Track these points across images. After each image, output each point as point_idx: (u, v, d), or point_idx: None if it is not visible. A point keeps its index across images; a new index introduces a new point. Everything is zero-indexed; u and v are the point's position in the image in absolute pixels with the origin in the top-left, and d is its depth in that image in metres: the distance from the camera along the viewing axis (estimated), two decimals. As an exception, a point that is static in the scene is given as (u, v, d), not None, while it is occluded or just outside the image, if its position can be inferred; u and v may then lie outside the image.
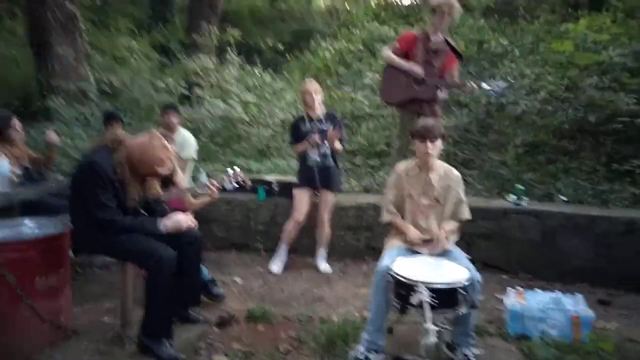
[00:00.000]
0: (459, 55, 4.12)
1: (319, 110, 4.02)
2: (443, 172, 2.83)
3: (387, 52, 4.13)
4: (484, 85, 3.89)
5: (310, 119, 3.98)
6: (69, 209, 2.76)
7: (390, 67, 4.11)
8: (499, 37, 7.27)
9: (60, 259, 2.78)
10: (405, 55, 4.03)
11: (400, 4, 10.55)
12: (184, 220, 2.73)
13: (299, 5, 14.57)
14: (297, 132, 4.04)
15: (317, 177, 3.98)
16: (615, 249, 3.72)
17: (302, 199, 4.01)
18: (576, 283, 3.69)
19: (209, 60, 7.25)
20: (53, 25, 6.76)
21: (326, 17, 11.75)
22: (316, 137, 3.89)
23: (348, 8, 10.23)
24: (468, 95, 5.47)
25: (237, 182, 3.49)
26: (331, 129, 3.93)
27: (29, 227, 2.91)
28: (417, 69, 3.91)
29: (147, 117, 6.42)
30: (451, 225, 2.81)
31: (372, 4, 10.85)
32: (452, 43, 4.07)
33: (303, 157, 4.05)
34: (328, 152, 4.01)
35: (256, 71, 7.44)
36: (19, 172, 3.51)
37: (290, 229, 4.06)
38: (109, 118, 4.37)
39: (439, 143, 2.76)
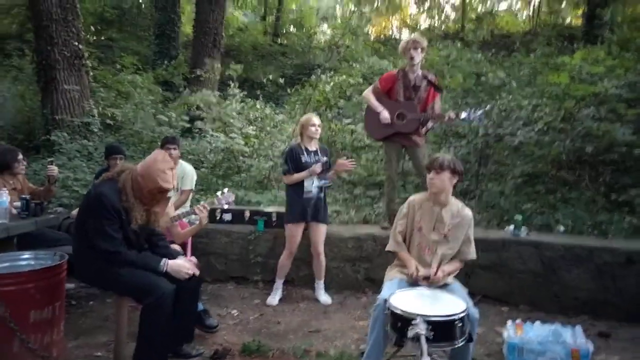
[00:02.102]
0: (438, 89, 4.35)
1: (315, 143, 4.06)
2: (456, 210, 2.81)
3: (366, 93, 4.44)
4: (463, 114, 4.06)
5: (307, 151, 4.02)
6: (70, 239, 2.77)
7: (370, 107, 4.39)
8: (496, 70, 7.39)
9: (56, 292, 2.77)
10: (387, 94, 4.30)
11: (399, 38, 10.79)
12: (186, 269, 2.72)
13: (300, 41, 14.94)
14: (296, 161, 3.95)
15: (311, 210, 3.94)
16: (616, 280, 3.67)
17: (295, 233, 3.97)
18: (577, 315, 3.65)
19: (212, 94, 7.39)
20: (60, 63, 6.95)
21: (326, 52, 12.00)
22: (319, 167, 3.89)
23: (347, 43, 10.46)
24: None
25: (229, 204, 3.54)
26: (342, 161, 3.95)
27: (26, 259, 2.92)
28: (384, 115, 4.18)
29: (149, 149, 6.50)
30: (452, 267, 2.79)
31: (371, 39, 11.10)
32: (431, 78, 4.32)
33: (298, 189, 3.95)
34: (327, 184, 4.03)
35: (257, 104, 7.56)
36: (18, 204, 3.54)
37: (284, 262, 4.05)
38: (111, 152, 4.39)
39: (445, 176, 2.73)
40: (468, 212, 2.85)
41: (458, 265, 2.83)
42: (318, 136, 4.04)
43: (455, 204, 2.85)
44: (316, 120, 4.04)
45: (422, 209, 2.84)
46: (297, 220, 3.96)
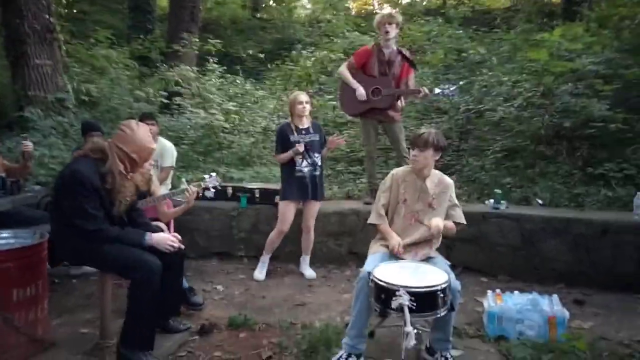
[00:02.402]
0: (412, 64, 4.37)
1: (305, 120, 4.03)
2: (437, 180, 2.88)
3: (342, 69, 4.43)
4: (436, 90, 4.13)
5: (297, 129, 3.98)
6: (49, 218, 2.72)
7: (345, 83, 4.38)
8: (477, 46, 7.42)
9: (37, 271, 2.74)
10: (362, 68, 4.31)
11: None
12: (170, 240, 2.69)
13: (280, 15, 14.67)
14: (284, 140, 3.94)
15: (308, 188, 3.92)
16: (592, 250, 3.80)
17: (288, 210, 3.96)
18: (554, 284, 3.77)
19: (190, 69, 7.24)
20: (30, 37, 6.67)
21: (307, 27, 11.84)
22: (301, 147, 3.85)
23: (329, 18, 10.32)
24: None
25: (215, 188, 3.54)
26: (334, 138, 3.99)
27: (5, 238, 2.86)
28: (360, 91, 4.20)
29: (127, 126, 6.37)
30: (449, 224, 2.83)
31: (353, 13, 10.97)
32: (406, 53, 4.34)
33: (289, 168, 3.94)
34: (318, 161, 3.99)
35: (237, 80, 7.46)
36: (-6, 182, 3.45)
37: (274, 239, 4.05)
38: (87, 129, 4.29)
39: (428, 153, 2.76)
40: (448, 179, 2.93)
41: (452, 224, 2.85)
42: (307, 113, 3.99)
43: (436, 173, 2.91)
44: (303, 97, 4.00)
45: (405, 181, 2.89)
46: (291, 198, 3.95)
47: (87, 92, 6.95)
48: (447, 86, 4.16)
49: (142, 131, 2.64)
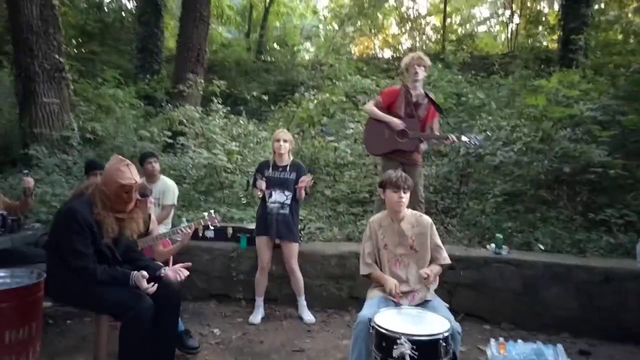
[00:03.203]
0: (439, 108, 4.33)
1: (286, 159, 4.07)
2: (415, 220, 2.91)
3: (369, 106, 4.34)
4: (464, 137, 4.08)
5: (275, 166, 4.04)
6: (45, 257, 2.72)
7: (373, 121, 4.32)
8: (476, 91, 7.56)
9: (32, 312, 2.70)
10: (388, 108, 4.23)
11: (381, 57, 10.96)
12: (144, 283, 2.64)
13: (283, 58, 15.04)
14: (255, 176, 4.05)
15: (274, 226, 3.94)
16: (595, 298, 3.74)
17: (262, 246, 4.01)
18: (558, 333, 3.70)
19: (194, 109, 7.36)
20: (40, 76, 6.85)
21: (310, 70, 12.11)
22: (262, 184, 3.93)
23: (331, 62, 10.58)
24: (449, 146, 5.67)
25: (215, 226, 3.55)
26: (307, 177, 3.95)
27: (2, 277, 2.84)
28: (396, 121, 4.10)
29: (130, 165, 6.42)
30: (436, 268, 2.84)
31: (354, 57, 11.23)
32: (432, 97, 4.29)
33: (262, 204, 4.06)
34: (287, 201, 3.98)
35: (241, 120, 7.55)
36: (-6, 220, 3.46)
37: (259, 278, 4.06)
38: (91, 167, 4.34)
39: (408, 193, 2.84)
40: (426, 218, 2.94)
41: (438, 268, 2.86)
42: (283, 151, 4.02)
43: (412, 214, 2.94)
44: (282, 135, 4.07)
45: (382, 227, 2.92)
46: (261, 233, 4.02)
47: (93, 131, 7.05)
48: (474, 135, 4.14)
49: (113, 167, 2.64)
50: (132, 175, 2.63)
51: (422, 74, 4.17)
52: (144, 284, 2.62)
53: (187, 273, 2.84)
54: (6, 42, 9.61)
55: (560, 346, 2.97)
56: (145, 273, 2.66)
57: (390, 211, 2.89)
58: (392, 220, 2.88)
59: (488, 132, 5.29)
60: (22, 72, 6.89)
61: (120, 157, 2.74)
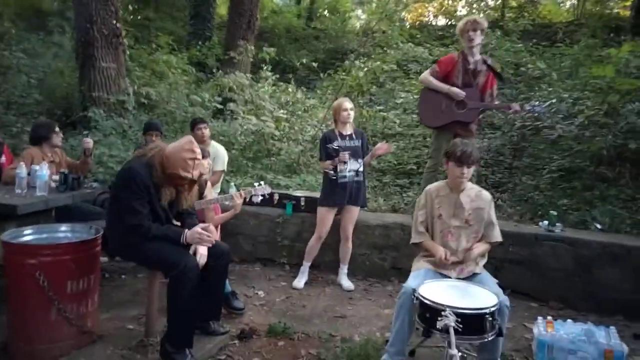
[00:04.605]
0: (498, 75, 4.11)
1: (349, 127, 4.03)
2: (474, 194, 2.81)
3: (426, 76, 4.15)
4: (527, 106, 3.89)
5: (341, 135, 3.99)
6: (106, 213, 2.85)
7: (428, 91, 4.14)
8: (537, 61, 7.15)
9: (91, 265, 2.86)
10: (445, 77, 4.05)
11: (435, 25, 10.54)
12: (197, 234, 2.67)
13: (334, 25, 14.77)
14: (327, 147, 3.96)
15: (347, 195, 3.93)
16: (655, 282, 3.55)
17: (327, 217, 3.99)
18: (611, 315, 3.53)
19: (244, 76, 7.41)
20: (98, 40, 7.06)
21: (360, 37, 11.85)
22: (347, 155, 3.85)
23: (383, 29, 10.28)
24: (515, 117, 5.40)
25: (263, 195, 3.57)
26: (382, 144, 3.97)
27: (64, 232, 3.01)
28: (457, 90, 3.93)
29: (181, 129, 6.59)
30: (482, 247, 2.79)
31: (407, 25, 10.86)
32: (491, 63, 4.07)
33: (332, 175, 3.96)
34: (361, 168, 3.97)
35: (289, 88, 7.54)
36: (56, 177, 3.65)
37: (313, 245, 4.07)
38: (149, 128, 4.48)
39: (473, 168, 2.75)
40: (486, 194, 2.85)
41: (487, 247, 2.82)
42: (351, 120, 4.01)
43: (472, 187, 2.85)
44: (348, 104, 4.01)
45: (439, 196, 2.84)
46: (330, 204, 3.98)
47: (147, 95, 7.26)
48: (537, 102, 3.93)
49: (181, 152, 2.61)
50: (192, 170, 2.64)
51: (478, 39, 3.93)
52: (193, 236, 2.67)
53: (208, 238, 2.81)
54: (68, 8, 9.97)
55: (613, 328, 2.85)
56: (199, 229, 2.71)
57: (451, 182, 2.81)
58: (450, 191, 2.81)
59: (554, 100, 4.94)
60: (82, 37, 7.13)
61: (193, 142, 2.67)
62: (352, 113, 4.00)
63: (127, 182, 2.63)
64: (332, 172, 3.90)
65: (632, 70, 5.23)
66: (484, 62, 4.02)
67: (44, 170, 3.38)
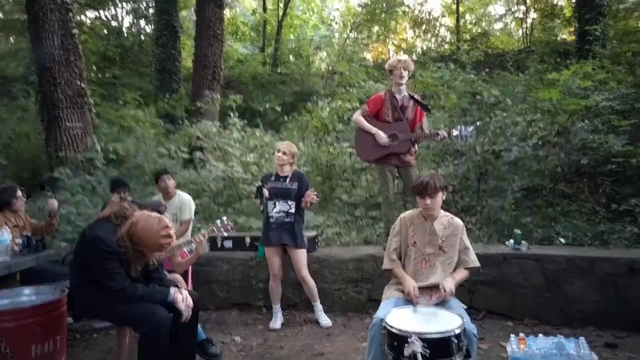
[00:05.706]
0: (425, 107, 4.36)
1: (287, 169, 4.11)
2: (447, 222, 2.87)
3: (357, 117, 4.40)
4: (454, 131, 4.08)
5: (277, 177, 4.10)
6: (69, 275, 2.80)
7: (361, 129, 4.36)
8: (491, 88, 7.48)
9: (57, 326, 2.81)
10: (376, 116, 4.30)
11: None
12: (184, 306, 2.73)
13: (298, 69, 15.20)
14: (259, 187, 4.11)
15: (275, 234, 4.00)
16: (620, 290, 3.64)
17: (271, 254, 4.07)
18: (583, 327, 3.61)
19: (212, 125, 7.52)
20: (63, 102, 7.11)
21: (324, 79, 12.21)
22: (266, 192, 4.00)
23: (342, 69, 10.66)
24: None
25: (226, 230, 3.61)
26: (311, 192, 3.97)
27: (27, 295, 2.96)
28: (381, 135, 4.17)
29: (151, 181, 6.58)
30: (461, 274, 2.82)
31: (368, 64, 11.26)
32: (417, 97, 4.34)
33: (265, 214, 4.10)
34: (291, 210, 4.03)
35: (257, 132, 7.66)
36: (19, 241, 3.60)
37: (272, 286, 4.11)
38: (116, 185, 4.49)
39: (439, 196, 2.80)
40: (458, 221, 2.91)
41: (465, 273, 2.84)
42: (281, 163, 4.07)
43: (445, 215, 2.91)
44: (282, 147, 4.13)
45: (414, 224, 2.89)
46: (267, 243, 4.08)
47: (115, 151, 7.27)
48: (464, 127, 4.12)
49: (155, 230, 2.62)
50: (166, 251, 2.78)
51: (406, 77, 4.21)
52: (181, 302, 2.71)
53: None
54: (32, 73, 10.04)
55: (582, 339, 2.89)
56: (184, 291, 2.72)
57: (422, 211, 2.89)
58: (424, 219, 2.88)
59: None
60: (47, 100, 7.18)
61: (166, 224, 2.66)
62: (283, 156, 4.06)
63: (96, 250, 2.57)
64: (261, 208, 4.08)
65: (577, 90, 5.52)
66: (411, 97, 4.27)
67: (5, 235, 3.35)
